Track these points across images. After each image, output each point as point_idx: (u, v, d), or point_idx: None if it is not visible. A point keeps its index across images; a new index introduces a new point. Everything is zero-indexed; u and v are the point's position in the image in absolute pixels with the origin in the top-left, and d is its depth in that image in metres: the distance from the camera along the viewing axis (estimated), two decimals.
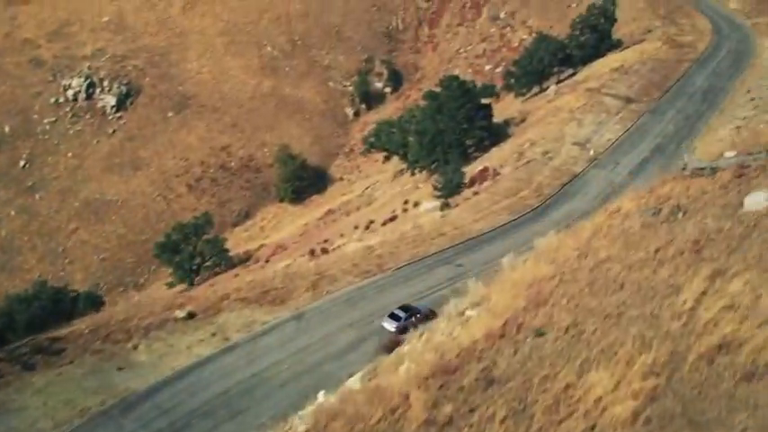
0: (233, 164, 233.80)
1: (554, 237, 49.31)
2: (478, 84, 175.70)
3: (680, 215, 41.76)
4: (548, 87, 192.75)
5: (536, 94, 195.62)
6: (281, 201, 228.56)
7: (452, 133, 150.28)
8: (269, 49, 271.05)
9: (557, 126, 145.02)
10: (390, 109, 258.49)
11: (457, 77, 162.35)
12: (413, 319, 73.08)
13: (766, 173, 42.18)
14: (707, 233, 37.53)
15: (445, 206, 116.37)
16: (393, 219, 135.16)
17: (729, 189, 42.37)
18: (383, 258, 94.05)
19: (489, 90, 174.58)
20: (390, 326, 74.62)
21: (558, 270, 39.85)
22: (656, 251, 37.60)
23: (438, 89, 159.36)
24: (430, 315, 69.69)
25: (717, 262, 33.87)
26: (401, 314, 75.88)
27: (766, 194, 38.53)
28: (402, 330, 69.08)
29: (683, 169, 49.65)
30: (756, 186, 40.63)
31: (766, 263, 32.09)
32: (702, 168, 47.28)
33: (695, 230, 38.38)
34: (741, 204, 39.45)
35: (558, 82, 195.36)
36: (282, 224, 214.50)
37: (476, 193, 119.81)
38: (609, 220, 45.40)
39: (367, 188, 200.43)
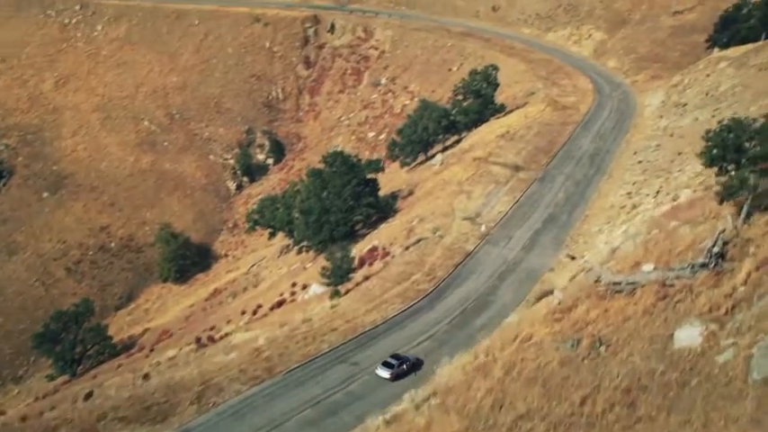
0: (113, 244, 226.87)
1: (460, 369, 44.27)
2: (363, 155, 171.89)
3: (602, 349, 37.07)
4: (434, 155, 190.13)
5: (422, 162, 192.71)
6: (165, 281, 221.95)
7: (339, 211, 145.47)
8: (146, 123, 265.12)
9: (445, 200, 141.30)
10: (274, 180, 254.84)
11: (341, 153, 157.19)
12: (404, 366, 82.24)
13: (693, 295, 37.57)
14: (638, 377, 32.86)
15: (335, 294, 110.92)
16: (281, 303, 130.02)
17: (655, 315, 37.83)
18: (272, 361, 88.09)
19: (375, 165, 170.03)
20: (385, 373, 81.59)
21: (470, 425, 34.70)
22: (583, 402, 32.78)
23: (322, 165, 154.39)
24: (417, 363, 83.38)
25: (656, 423, 29.10)
26: (394, 362, 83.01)
27: (700, 328, 34.03)
28: (395, 377, 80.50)
29: (597, 282, 45.12)
30: (685, 315, 36.14)
31: (715, 429, 27.31)
32: (618, 283, 42.76)
33: (623, 372, 33.72)
34: (671, 338, 34.83)
35: (444, 149, 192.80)
36: (167, 305, 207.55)
37: (366, 278, 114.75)
38: (521, 353, 40.47)
39: (253, 266, 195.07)
